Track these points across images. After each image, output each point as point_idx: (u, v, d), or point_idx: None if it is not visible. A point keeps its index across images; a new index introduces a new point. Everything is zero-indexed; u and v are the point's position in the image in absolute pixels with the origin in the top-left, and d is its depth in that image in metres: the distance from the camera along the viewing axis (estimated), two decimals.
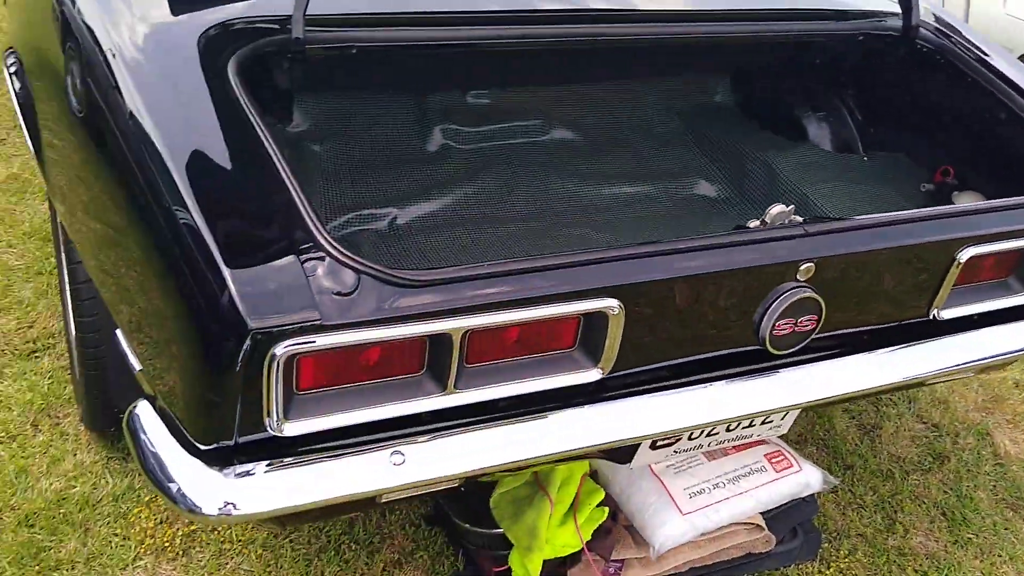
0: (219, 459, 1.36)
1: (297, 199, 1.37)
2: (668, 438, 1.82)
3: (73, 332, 2.13)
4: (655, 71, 2.69)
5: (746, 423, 1.89)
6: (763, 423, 1.93)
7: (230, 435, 1.34)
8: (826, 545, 2.32)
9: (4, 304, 2.73)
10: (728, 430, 1.90)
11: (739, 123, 2.77)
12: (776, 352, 1.70)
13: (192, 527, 2.12)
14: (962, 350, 1.90)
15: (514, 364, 1.51)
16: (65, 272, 2.15)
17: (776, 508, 2.27)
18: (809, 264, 1.63)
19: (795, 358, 1.76)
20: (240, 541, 2.12)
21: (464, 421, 1.50)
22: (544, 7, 2.09)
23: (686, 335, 1.63)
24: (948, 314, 1.87)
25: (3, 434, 2.31)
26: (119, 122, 1.48)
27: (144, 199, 1.41)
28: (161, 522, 2.13)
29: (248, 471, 1.36)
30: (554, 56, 2.46)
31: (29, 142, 2.03)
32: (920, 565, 2.30)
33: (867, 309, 1.80)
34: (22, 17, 2.21)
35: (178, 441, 1.38)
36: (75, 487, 2.19)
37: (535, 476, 2.17)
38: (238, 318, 1.24)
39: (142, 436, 1.42)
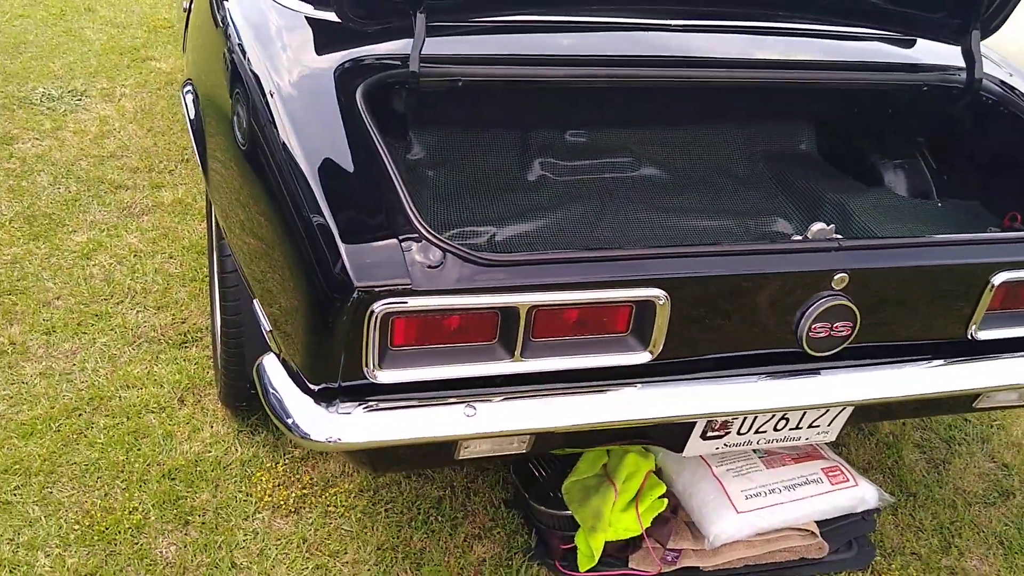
0: (326, 398, 1.68)
1: (402, 195, 1.70)
2: (717, 429, 2.04)
3: (218, 319, 2.52)
4: (740, 117, 2.94)
5: (793, 424, 2.09)
6: (810, 426, 2.12)
7: (335, 378, 1.66)
8: (879, 558, 2.45)
9: (163, 303, 3.17)
10: (776, 430, 2.10)
11: (821, 169, 2.98)
12: (814, 353, 1.91)
13: (304, 491, 2.46)
14: (998, 372, 2.05)
15: (575, 342, 1.78)
16: (215, 267, 2.55)
17: (834, 521, 2.44)
18: (843, 275, 1.84)
19: (835, 363, 1.97)
20: (344, 506, 2.43)
21: (531, 389, 1.78)
22: (629, 53, 2.39)
23: (730, 330, 1.86)
24: (985, 335, 2.03)
25: (155, 405, 2.71)
26: (269, 141, 1.85)
27: (284, 195, 1.77)
28: (279, 485, 2.47)
29: (348, 410, 1.68)
30: (644, 98, 2.76)
31: (197, 156, 2.46)
32: None
33: (904, 323, 1.98)
34: (199, 56, 2.67)
35: (294, 383, 1.71)
36: (210, 451, 2.56)
37: (604, 468, 2.41)
38: (347, 280, 1.57)
39: (266, 379, 1.76)
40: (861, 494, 2.42)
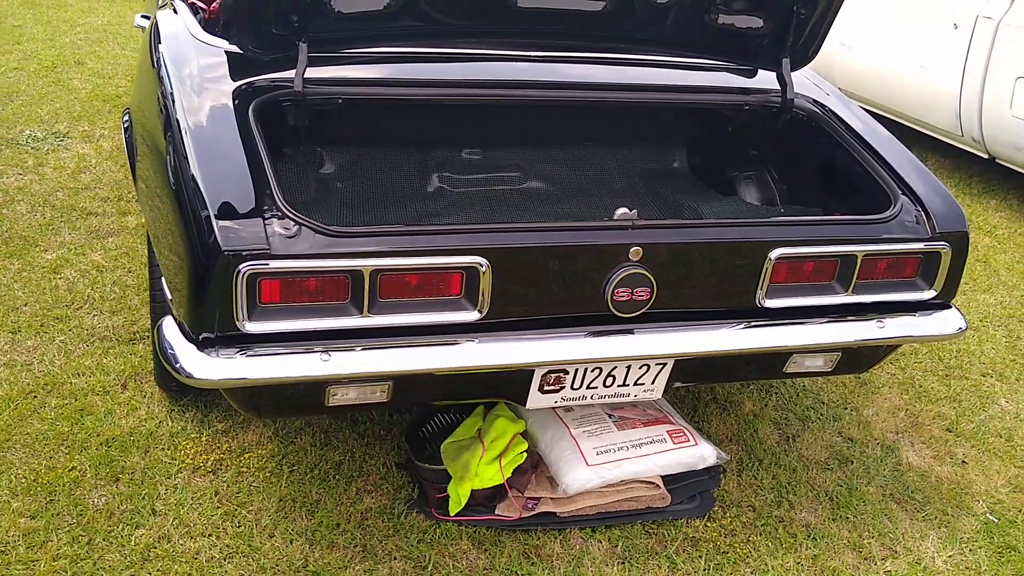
0: (206, 345, 2.09)
1: (271, 182, 2.13)
2: (552, 384, 2.44)
3: (149, 308, 2.95)
4: (620, 138, 3.38)
5: (620, 380, 2.49)
6: (636, 383, 2.52)
7: (212, 328, 2.08)
8: (718, 508, 2.83)
9: (118, 308, 3.60)
10: (606, 386, 2.50)
11: (689, 183, 3.41)
12: (620, 315, 2.32)
13: (222, 456, 2.85)
14: (788, 335, 2.45)
15: (417, 302, 2.19)
16: (149, 263, 2.98)
17: (683, 477, 2.82)
18: (637, 248, 2.26)
19: (647, 324, 2.37)
20: (255, 467, 2.82)
21: (382, 341, 2.19)
22: (502, 77, 2.83)
23: (549, 294, 2.27)
24: (773, 303, 2.44)
25: (100, 389, 3.12)
26: (175, 147, 2.29)
27: (180, 188, 2.19)
28: (201, 452, 2.87)
29: (223, 355, 2.09)
30: (533, 120, 3.20)
31: (130, 170, 2.90)
32: (795, 530, 2.77)
33: (699, 291, 2.39)
34: (136, 88, 3.14)
35: (182, 334, 2.13)
36: (144, 425, 2.97)
37: (478, 432, 2.80)
38: (217, 246, 2.00)
39: (163, 334, 2.17)
40: (701, 452, 2.81)
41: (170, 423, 2.99)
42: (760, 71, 3.06)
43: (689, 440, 2.82)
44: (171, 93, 2.45)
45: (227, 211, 2.06)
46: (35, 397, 3.06)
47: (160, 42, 2.77)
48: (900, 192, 2.60)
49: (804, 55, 2.95)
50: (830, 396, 3.47)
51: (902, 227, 2.50)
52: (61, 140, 5.22)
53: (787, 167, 3.15)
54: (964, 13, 5.36)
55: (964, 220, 2.58)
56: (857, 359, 2.71)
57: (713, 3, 2.76)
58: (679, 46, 2.91)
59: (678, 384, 2.61)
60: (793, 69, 2.95)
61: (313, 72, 2.50)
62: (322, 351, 2.13)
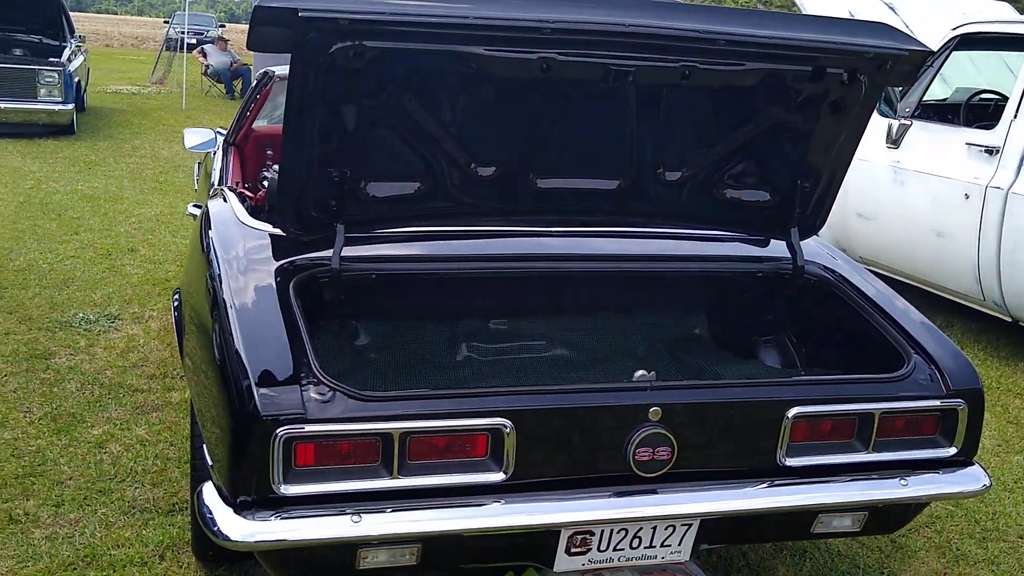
0: (244, 508, 2.18)
1: (308, 351, 2.28)
2: (578, 545, 2.48)
3: (191, 477, 3.05)
4: (637, 306, 3.52)
5: (646, 542, 2.52)
6: (662, 545, 2.55)
7: (250, 492, 2.17)
8: None
9: (159, 481, 3.70)
10: (632, 547, 2.53)
11: (709, 349, 3.52)
12: (641, 474, 2.38)
13: None
14: (805, 494, 2.49)
15: (444, 463, 2.29)
16: (192, 436, 3.11)
17: None
18: (656, 408, 2.36)
19: (670, 484, 2.43)
20: None
21: (413, 503, 2.27)
22: (527, 252, 3.01)
23: (572, 454, 2.36)
24: (794, 462, 2.49)
25: (139, 559, 3.19)
26: (220, 323, 2.46)
27: (224, 361, 2.35)
28: None
29: (259, 517, 2.18)
30: (557, 292, 3.37)
31: (178, 346, 3.08)
32: None
33: (722, 450, 2.46)
34: (186, 269, 3.37)
35: (220, 498, 2.23)
36: None
37: None
38: (256, 412, 2.13)
39: (203, 499, 2.27)
40: None
41: None
42: (772, 240, 3.23)
43: None
44: (218, 274, 2.65)
45: (266, 379, 2.20)
46: (74, 569, 3.13)
47: (210, 227, 3.01)
48: (913, 352, 2.69)
49: (813, 224, 3.12)
50: (866, 560, 3.43)
51: (917, 385, 2.58)
52: (112, 322, 5.48)
53: (804, 331, 3.26)
54: (974, 184, 5.58)
55: (977, 377, 2.65)
56: (885, 518, 2.72)
57: (721, 179, 2.97)
58: (691, 219, 3.10)
59: (705, 546, 2.63)
60: (802, 238, 3.11)
61: (349, 251, 2.70)
62: (353, 513, 2.21)
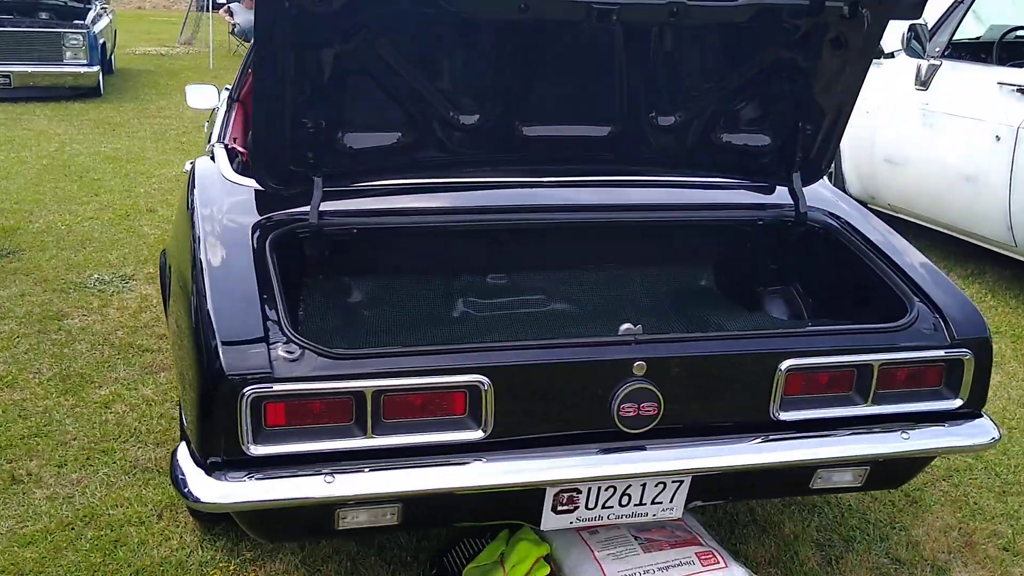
0: (214, 469, 2.14)
1: (279, 309, 2.22)
2: (565, 503, 2.41)
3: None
4: (639, 258, 3.41)
5: (636, 500, 2.45)
6: (653, 502, 2.47)
7: (219, 452, 2.13)
8: None
9: (162, 440, 3.70)
10: (622, 505, 2.46)
11: (716, 301, 3.41)
12: (627, 431, 2.30)
13: None
14: (798, 449, 2.39)
15: (421, 422, 2.22)
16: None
17: None
18: (641, 363, 2.26)
19: (661, 440, 2.34)
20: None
21: (389, 462, 2.21)
22: (515, 203, 2.91)
23: (555, 411, 2.28)
24: (788, 416, 2.39)
25: (136, 519, 3.18)
26: (197, 280, 2.40)
27: (195, 318, 2.29)
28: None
29: (232, 478, 2.13)
30: (549, 244, 3.27)
31: (164, 308, 3.04)
32: None
33: (711, 405, 2.37)
34: (173, 229, 3.32)
35: (191, 459, 2.19)
36: (176, 555, 3.00)
37: (500, 556, 2.76)
38: (221, 371, 2.08)
39: (176, 461, 2.23)
40: (732, 575, 2.70)
41: (200, 552, 3.02)
42: (777, 187, 3.10)
43: (719, 562, 2.72)
44: (196, 233, 2.59)
45: (233, 338, 2.15)
46: (72, 529, 3.13)
47: (194, 185, 2.95)
48: (917, 300, 2.56)
49: (817, 169, 2.98)
50: (877, 515, 3.33)
51: (919, 335, 2.46)
52: (126, 282, 5.48)
53: (810, 280, 3.14)
54: (1004, 125, 5.35)
55: (984, 326, 2.53)
56: (888, 473, 2.62)
57: (718, 124, 2.84)
58: (688, 166, 2.97)
59: (699, 503, 2.55)
60: (808, 183, 2.98)
61: (329, 205, 2.63)
62: (327, 473, 2.16)
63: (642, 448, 2.35)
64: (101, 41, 12.24)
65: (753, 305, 3.28)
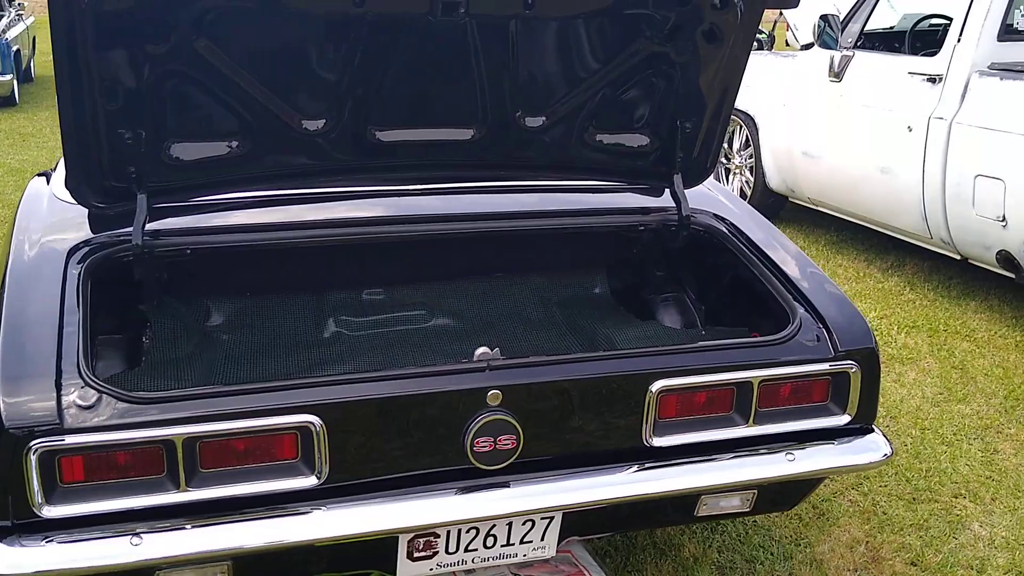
0: (4, 535, 1.87)
1: (77, 347, 1.95)
2: (422, 549, 2.18)
3: None
4: (524, 267, 3.20)
5: (502, 540, 2.23)
6: (522, 541, 2.25)
7: (7, 516, 1.86)
8: None
9: None
10: (487, 547, 2.23)
11: (609, 309, 3.21)
12: (484, 467, 2.08)
13: None
14: (674, 478, 2.19)
15: (246, 470, 1.97)
16: None
17: None
18: (495, 391, 2.04)
19: (525, 475, 2.12)
20: None
21: (209, 517, 1.96)
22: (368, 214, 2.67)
23: (402, 450, 2.05)
24: (663, 442, 2.19)
25: None
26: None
27: None
28: None
29: (27, 543, 1.86)
30: (427, 256, 3.03)
31: None
32: None
33: (578, 433, 2.15)
34: None
35: None
36: None
37: None
38: (1, 422, 1.80)
39: None
40: None
41: None
42: (665, 189, 2.90)
43: None
44: (9, 258, 2.31)
45: (16, 385, 1.88)
46: None
47: (21, 202, 2.67)
48: (800, 308, 2.38)
49: (701, 168, 2.79)
50: (782, 531, 3.16)
51: (801, 348, 2.27)
52: None
53: (701, 287, 2.95)
54: (917, 115, 5.24)
55: (870, 335, 2.35)
56: (778, 496, 2.44)
57: (591, 124, 2.63)
58: (565, 169, 2.76)
59: (577, 538, 2.34)
60: (691, 184, 2.79)
61: (160, 224, 2.37)
62: (134, 534, 1.90)
63: (505, 485, 2.13)
64: (15, 48, 11.76)
65: (646, 313, 3.09)
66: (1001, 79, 4.84)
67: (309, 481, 1.98)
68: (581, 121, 2.62)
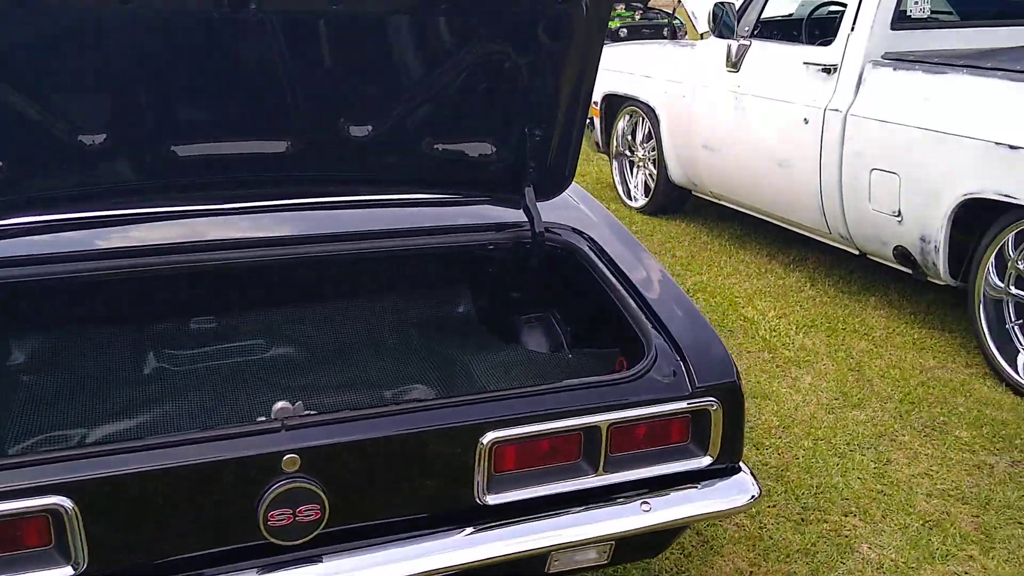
0: None
1: None
2: None
3: None
4: (376, 288, 2.90)
5: None
6: None
7: None
8: None
9: None
10: None
11: (472, 331, 2.94)
12: (283, 543, 1.78)
13: None
14: (511, 540, 1.92)
15: None
16: None
17: None
18: (292, 456, 1.75)
19: (327, 549, 1.83)
20: None
21: None
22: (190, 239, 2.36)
23: (177, 529, 1.74)
24: (498, 499, 1.92)
25: None
26: None
27: None
28: None
29: None
30: (270, 279, 2.72)
31: None
32: None
33: (398, 496, 1.88)
34: None
35: None
36: None
37: None
38: None
39: None
40: None
41: None
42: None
43: None
44: None
45: None
46: None
47: None
48: (656, 337, 2.13)
49: (557, 179, 2.52)
50: (663, 564, 2.93)
51: (655, 385, 2.03)
52: None
53: (566, 308, 2.69)
54: (812, 108, 5.07)
55: (732, 368, 2.11)
56: (638, 546, 2.21)
57: (429, 132, 2.34)
58: (403, 182, 2.47)
59: None
60: (548, 196, 2.52)
61: None
62: None
63: (316, 560, 1.83)
64: None
65: (510, 336, 2.83)
66: (895, 69, 4.69)
67: (65, 571, 1.66)
68: (416, 129, 2.34)
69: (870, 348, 4.56)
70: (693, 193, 6.55)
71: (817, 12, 5.95)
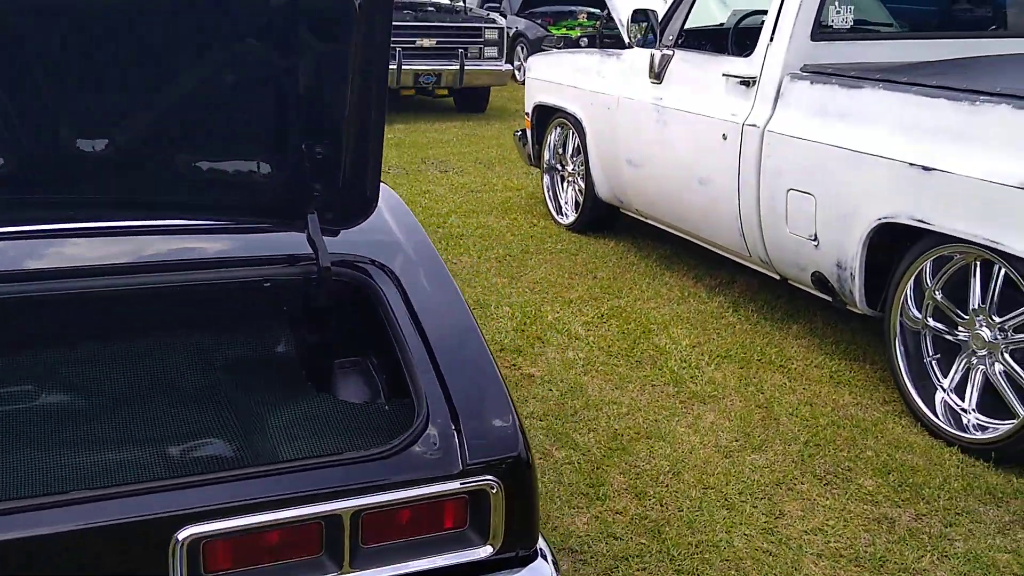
0: None
1: None
2: None
3: None
4: (177, 324, 2.54)
5: None
6: None
7: None
8: None
9: None
10: None
11: (286, 376, 2.57)
12: None
13: None
14: None
15: None
16: None
17: None
18: None
19: None
20: None
21: None
22: None
23: None
24: None
25: None
26: None
27: None
28: None
29: None
30: (47, 315, 2.35)
31: None
32: None
33: None
34: None
35: None
36: None
37: None
38: None
39: None
40: None
41: None
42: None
43: None
44: None
45: None
46: None
47: None
48: (434, 400, 1.77)
49: (359, 203, 2.16)
50: None
51: (416, 462, 1.67)
52: None
53: (377, 352, 2.33)
54: (731, 123, 4.74)
55: (518, 440, 1.76)
56: None
57: (187, 150, 1.97)
58: (157, 207, 2.10)
59: None
60: (350, 223, 2.16)
61: None
62: None
63: None
64: None
65: (324, 383, 2.46)
66: (811, 83, 4.37)
67: None
68: (168, 145, 1.97)
69: (783, 382, 4.23)
70: (621, 210, 6.22)
71: (745, 21, 5.63)
